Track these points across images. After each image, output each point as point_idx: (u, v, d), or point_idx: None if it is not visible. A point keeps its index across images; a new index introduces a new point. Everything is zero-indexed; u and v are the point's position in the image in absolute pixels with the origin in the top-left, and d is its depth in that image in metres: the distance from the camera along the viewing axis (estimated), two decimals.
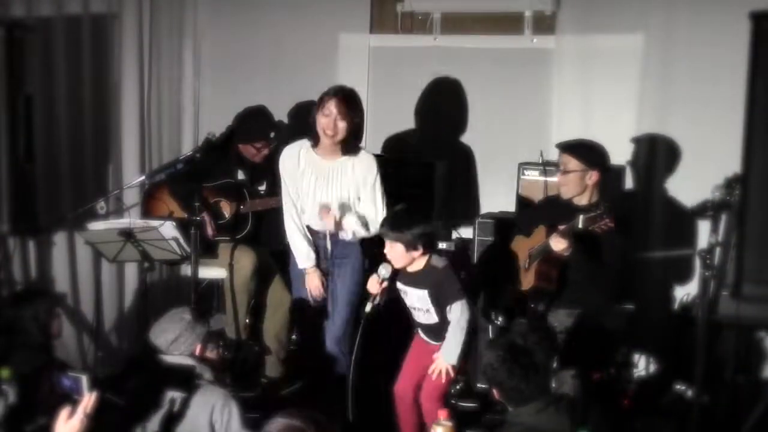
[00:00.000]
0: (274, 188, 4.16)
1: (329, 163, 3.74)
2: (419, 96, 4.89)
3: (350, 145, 3.73)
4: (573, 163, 3.74)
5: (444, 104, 4.88)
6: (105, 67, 4.64)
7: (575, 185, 3.76)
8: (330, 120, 3.63)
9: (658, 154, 4.39)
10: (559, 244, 3.52)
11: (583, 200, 3.76)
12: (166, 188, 4.29)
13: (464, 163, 4.87)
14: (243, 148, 4.33)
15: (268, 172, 4.29)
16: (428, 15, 4.87)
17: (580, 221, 3.42)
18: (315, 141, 3.74)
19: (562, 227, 3.58)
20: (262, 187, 4.39)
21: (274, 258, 4.36)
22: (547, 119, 4.65)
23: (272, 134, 4.34)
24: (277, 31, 5.09)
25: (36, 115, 3.83)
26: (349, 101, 3.66)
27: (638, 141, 4.42)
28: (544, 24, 4.68)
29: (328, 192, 3.74)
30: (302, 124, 3.95)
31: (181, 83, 5.11)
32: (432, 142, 4.91)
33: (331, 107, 3.63)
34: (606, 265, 3.63)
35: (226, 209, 4.26)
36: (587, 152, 3.76)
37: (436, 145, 4.89)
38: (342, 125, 3.64)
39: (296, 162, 3.79)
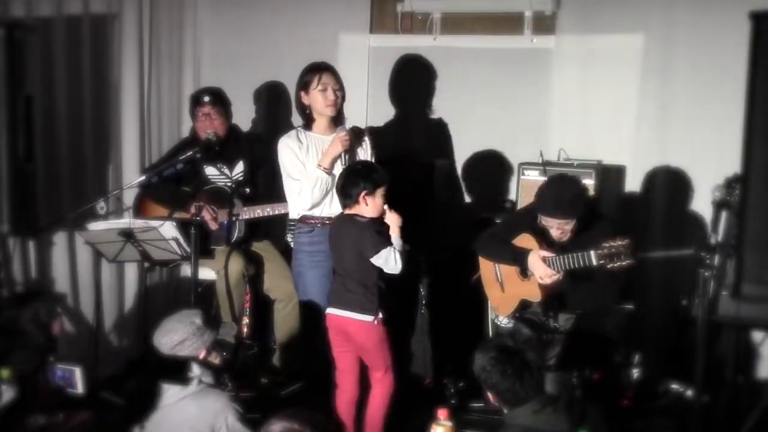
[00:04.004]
0: (251, 170, 4.35)
1: (330, 137, 3.83)
2: (419, 96, 4.89)
3: (341, 116, 3.91)
4: (567, 221, 3.52)
5: (444, 104, 4.88)
6: (105, 67, 4.64)
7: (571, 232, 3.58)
8: (329, 92, 3.80)
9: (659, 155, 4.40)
10: (543, 278, 3.48)
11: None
12: (150, 197, 4.31)
13: (464, 163, 4.87)
14: (198, 123, 4.33)
15: (237, 152, 4.37)
16: (428, 15, 4.87)
17: (594, 257, 3.31)
18: (308, 123, 3.89)
19: (543, 253, 3.51)
20: (239, 170, 4.39)
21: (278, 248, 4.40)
22: (547, 119, 4.65)
23: (206, 98, 4.31)
24: (277, 31, 5.09)
25: (36, 115, 3.82)
26: (334, 71, 3.87)
27: (640, 141, 4.43)
28: (544, 24, 4.68)
29: (341, 162, 3.79)
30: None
31: (181, 83, 5.11)
32: (432, 142, 4.92)
33: (325, 80, 3.82)
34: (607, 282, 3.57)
35: (219, 216, 4.27)
36: (580, 207, 3.52)
37: (436, 145, 4.89)
38: (340, 94, 3.84)
39: (297, 141, 3.87)
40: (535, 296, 3.64)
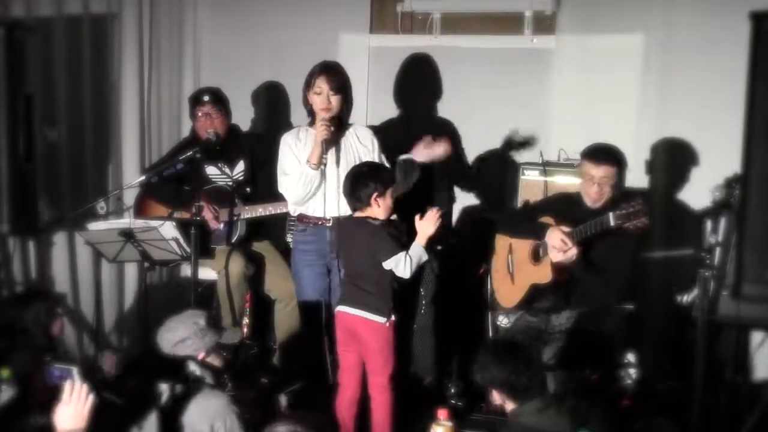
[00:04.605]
0: (251, 170, 4.34)
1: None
2: (419, 96, 4.89)
3: (346, 116, 3.85)
4: (612, 171, 3.62)
5: (444, 104, 4.88)
6: (105, 67, 4.64)
7: (610, 193, 3.66)
8: (323, 97, 3.74)
9: (660, 154, 4.40)
10: (557, 248, 3.49)
11: (598, 204, 3.68)
12: (153, 197, 4.32)
13: (463, 163, 4.87)
14: (198, 123, 4.34)
15: (238, 152, 4.38)
16: (428, 15, 4.87)
17: (611, 219, 3.33)
18: (313, 120, 3.84)
19: (563, 228, 3.52)
20: (240, 170, 4.40)
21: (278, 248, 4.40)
22: (547, 119, 4.65)
23: (206, 97, 4.32)
24: (277, 31, 5.08)
25: (36, 115, 3.82)
26: (336, 74, 3.78)
27: (640, 141, 4.42)
28: (544, 24, 4.68)
29: (333, 161, 3.76)
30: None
31: (181, 83, 5.11)
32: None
33: (321, 84, 3.74)
34: (617, 274, 3.60)
35: (221, 215, 4.27)
36: (618, 157, 3.68)
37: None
38: (335, 99, 3.75)
39: (296, 137, 3.86)
40: (546, 277, 3.63)
